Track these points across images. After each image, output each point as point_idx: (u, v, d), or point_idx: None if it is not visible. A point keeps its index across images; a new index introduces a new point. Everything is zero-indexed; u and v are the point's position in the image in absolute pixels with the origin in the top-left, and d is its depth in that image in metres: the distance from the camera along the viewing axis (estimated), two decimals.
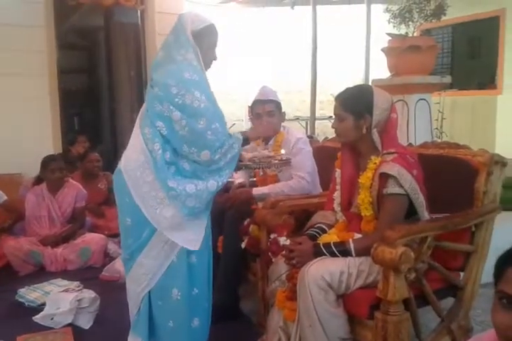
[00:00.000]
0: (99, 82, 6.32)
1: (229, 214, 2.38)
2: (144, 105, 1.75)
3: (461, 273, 1.87)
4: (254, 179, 2.69)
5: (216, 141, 1.64)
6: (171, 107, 1.60)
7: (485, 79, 6.07)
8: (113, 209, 3.90)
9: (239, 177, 2.69)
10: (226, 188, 2.64)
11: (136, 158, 1.66)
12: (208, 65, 1.77)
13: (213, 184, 1.67)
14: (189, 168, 1.66)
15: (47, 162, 3.36)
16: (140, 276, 1.69)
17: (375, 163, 1.71)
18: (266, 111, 2.49)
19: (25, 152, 3.83)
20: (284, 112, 2.60)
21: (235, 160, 1.72)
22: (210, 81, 1.74)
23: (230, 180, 2.73)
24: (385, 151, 1.73)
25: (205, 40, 1.73)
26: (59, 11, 4.31)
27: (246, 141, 1.79)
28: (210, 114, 1.63)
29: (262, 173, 2.56)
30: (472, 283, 1.83)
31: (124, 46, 5.38)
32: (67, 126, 4.80)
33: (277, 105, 2.54)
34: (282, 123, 2.58)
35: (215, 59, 1.80)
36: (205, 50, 1.73)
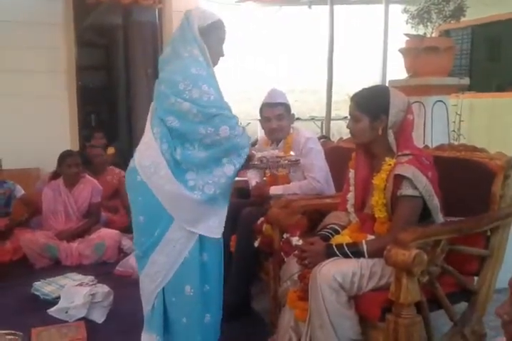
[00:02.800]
0: (117, 80, 6.38)
1: (244, 212, 2.39)
2: (153, 104, 1.76)
3: (475, 278, 1.85)
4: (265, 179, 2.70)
5: (233, 118, 1.64)
6: (179, 100, 1.61)
7: (504, 81, 5.97)
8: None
9: (254, 178, 2.69)
10: (243, 191, 2.65)
11: (149, 154, 1.68)
12: (215, 62, 1.77)
13: (230, 169, 1.65)
14: (205, 154, 1.64)
15: (64, 157, 3.42)
16: (154, 274, 1.70)
17: (390, 165, 1.70)
18: (275, 114, 2.47)
19: (42, 147, 3.90)
20: (293, 114, 2.58)
21: (248, 143, 1.70)
22: (223, 79, 1.74)
23: (243, 179, 2.74)
24: (399, 153, 1.72)
25: (212, 36, 1.73)
26: (78, 9, 4.36)
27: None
28: (219, 106, 1.64)
29: (269, 173, 2.56)
30: (486, 288, 1.81)
31: (141, 44, 5.42)
32: (84, 122, 4.87)
33: (286, 107, 2.51)
34: (291, 124, 2.57)
35: (222, 55, 1.79)
36: (213, 46, 1.73)
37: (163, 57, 1.77)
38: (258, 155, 1.86)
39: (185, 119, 1.63)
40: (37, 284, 2.69)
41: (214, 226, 1.70)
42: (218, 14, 1.77)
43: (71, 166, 3.40)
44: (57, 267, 3.15)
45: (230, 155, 1.66)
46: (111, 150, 4.66)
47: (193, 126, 1.62)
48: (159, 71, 1.75)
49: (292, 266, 1.83)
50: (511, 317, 0.88)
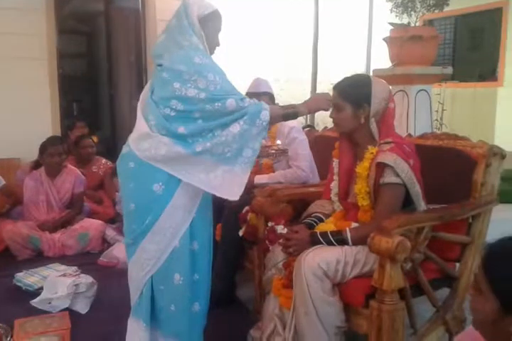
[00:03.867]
0: (99, 68, 6.28)
1: (229, 201, 2.38)
2: (147, 90, 1.73)
3: (457, 264, 1.88)
4: None
5: (239, 94, 1.62)
6: (184, 86, 1.58)
7: (486, 71, 6.05)
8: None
9: None
10: None
11: (145, 140, 1.65)
12: (211, 51, 1.75)
13: (235, 126, 1.60)
14: (210, 123, 1.60)
15: (46, 146, 3.35)
16: (143, 261, 1.69)
17: (372, 153, 1.71)
18: None
19: (23, 137, 3.82)
20: (277, 103, 2.58)
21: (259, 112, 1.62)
22: None
23: None
24: (382, 141, 1.73)
25: (210, 25, 1.71)
26: None
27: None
28: (227, 92, 1.61)
29: (261, 162, 2.55)
30: (468, 274, 1.84)
31: (124, 32, 5.33)
32: (66, 111, 4.78)
33: (270, 97, 2.51)
34: None
35: (218, 45, 1.78)
36: (210, 35, 1.72)
37: (158, 44, 1.72)
38: None
39: (190, 102, 1.59)
40: (19, 275, 2.66)
41: (229, 188, 1.65)
42: (215, 4, 1.75)
43: (53, 155, 3.33)
44: (39, 258, 3.11)
45: (239, 119, 1.61)
46: (94, 140, 4.60)
47: (200, 106, 1.59)
48: (157, 57, 1.70)
49: (277, 254, 1.84)
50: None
